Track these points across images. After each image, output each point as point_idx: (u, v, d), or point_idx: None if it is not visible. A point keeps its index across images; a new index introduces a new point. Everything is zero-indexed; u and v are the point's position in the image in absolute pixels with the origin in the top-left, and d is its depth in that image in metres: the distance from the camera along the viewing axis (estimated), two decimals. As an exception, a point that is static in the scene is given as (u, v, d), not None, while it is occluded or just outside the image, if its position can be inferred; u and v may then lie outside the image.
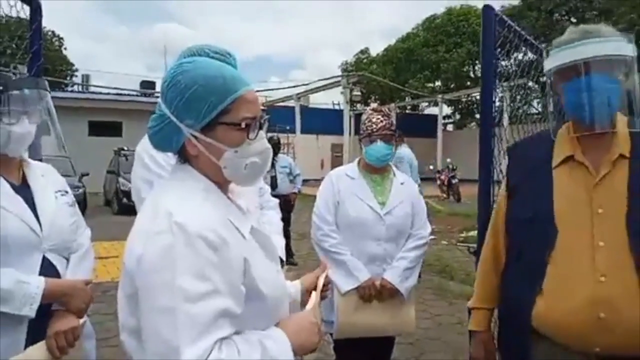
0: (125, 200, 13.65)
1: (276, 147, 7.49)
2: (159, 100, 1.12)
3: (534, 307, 1.49)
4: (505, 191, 1.69)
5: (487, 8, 2.06)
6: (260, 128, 1.12)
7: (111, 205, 14.72)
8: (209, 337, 0.92)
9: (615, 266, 1.40)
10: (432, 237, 2.72)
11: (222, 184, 1.14)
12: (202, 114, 1.06)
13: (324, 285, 1.39)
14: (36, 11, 2.46)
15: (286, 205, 7.16)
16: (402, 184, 2.57)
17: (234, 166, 1.09)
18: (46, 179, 1.80)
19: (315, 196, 2.58)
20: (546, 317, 1.46)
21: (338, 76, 24.14)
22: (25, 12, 2.47)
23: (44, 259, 1.66)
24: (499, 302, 1.70)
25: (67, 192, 1.85)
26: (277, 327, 1.11)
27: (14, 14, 2.41)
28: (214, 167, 1.10)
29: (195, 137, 1.08)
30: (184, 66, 1.08)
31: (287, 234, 7.31)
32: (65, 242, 1.75)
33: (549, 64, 1.52)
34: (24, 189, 1.70)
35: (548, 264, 1.47)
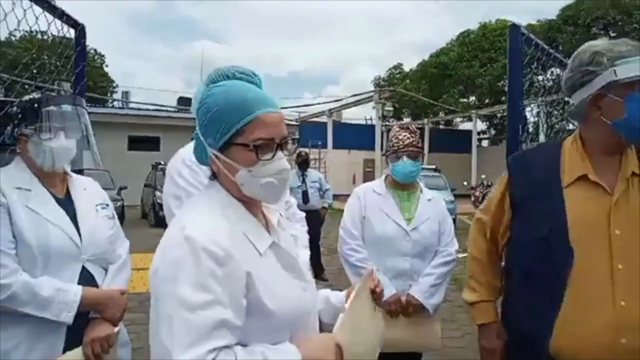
0: (161, 213, 13.85)
1: (305, 162, 7.55)
2: None
3: (553, 334, 1.46)
4: (509, 200, 1.66)
5: (514, 27, 2.02)
6: (280, 149, 1.15)
7: (148, 218, 15.08)
8: (204, 345, 0.96)
9: (635, 290, 1.37)
10: (465, 254, 2.70)
11: (249, 200, 1.18)
12: (219, 134, 1.12)
13: (376, 294, 1.33)
14: (80, 34, 2.62)
15: (317, 219, 7.19)
16: (429, 200, 2.58)
17: (249, 185, 1.14)
18: (88, 192, 1.90)
19: (346, 211, 2.61)
20: (565, 343, 1.43)
21: (370, 91, 24.16)
22: (70, 33, 2.62)
23: (83, 269, 1.75)
24: (509, 327, 1.68)
25: (107, 205, 1.95)
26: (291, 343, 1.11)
27: (58, 36, 2.56)
28: (234, 184, 1.15)
29: (216, 156, 1.15)
30: (213, 89, 1.16)
31: (317, 249, 7.34)
32: (104, 254, 1.84)
33: (623, 73, 1.41)
34: (66, 202, 1.80)
35: (566, 287, 1.44)
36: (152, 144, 20.38)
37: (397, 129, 2.59)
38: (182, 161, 1.82)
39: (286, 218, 2.09)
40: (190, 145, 1.89)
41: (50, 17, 2.29)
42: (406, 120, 35.02)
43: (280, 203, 1.39)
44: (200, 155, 1.21)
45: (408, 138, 2.52)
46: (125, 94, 30.87)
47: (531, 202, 1.58)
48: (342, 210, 2.65)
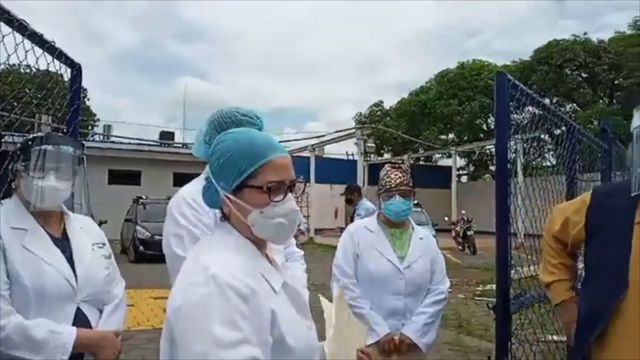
0: (141, 248, 13.71)
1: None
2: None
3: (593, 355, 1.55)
4: (584, 225, 1.72)
5: (501, 75, 2.11)
6: (290, 191, 1.20)
7: (127, 253, 14.78)
8: None
9: None
10: (449, 290, 2.72)
11: (258, 241, 1.22)
12: (233, 177, 1.17)
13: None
14: (77, 73, 2.64)
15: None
16: (421, 238, 2.62)
17: (261, 225, 1.18)
18: (85, 232, 1.89)
19: (329, 245, 2.63)
20: None
21: (352, 128, 24.51)
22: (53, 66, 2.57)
23: (78, 310, 1.73)
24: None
25: (104, 244, 1.94)
26: None
27: (52, 74, 2.56)
28: (244, 225, 1.19)
29: (228, 198, 1.19)
30: (225, 136, 1.23)
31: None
32: (99, 294, 1.82)
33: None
34: (63, 241, 1.79)
35: (613, 316, 1.50)
36: (133, 178, 20.20)
37: (389, 168, 2.64)
38: (184, 200, 1.82)
39: (285, 256, 2.11)
40: (191, 185, 1.91)
41: (49, 57, 2.31)
42: (387, 156, 35.44)
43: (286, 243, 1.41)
44: (211, 198, 1.24)
45: (399, 177, 2.57)
46: (107, 127, 30.72)
47: (603, 230, 1.65)
48: (325, 245, 2.67)
